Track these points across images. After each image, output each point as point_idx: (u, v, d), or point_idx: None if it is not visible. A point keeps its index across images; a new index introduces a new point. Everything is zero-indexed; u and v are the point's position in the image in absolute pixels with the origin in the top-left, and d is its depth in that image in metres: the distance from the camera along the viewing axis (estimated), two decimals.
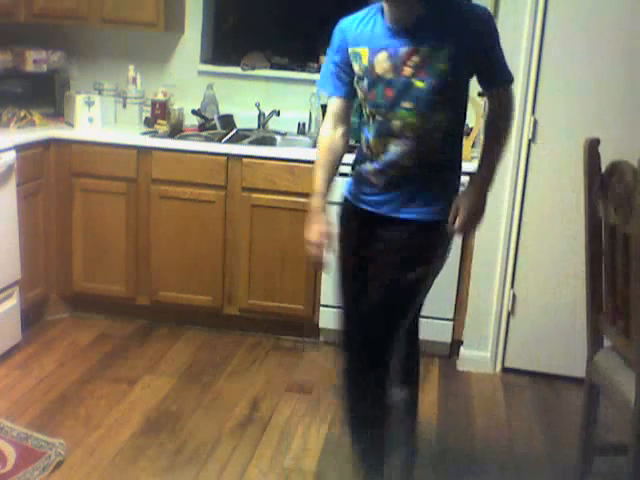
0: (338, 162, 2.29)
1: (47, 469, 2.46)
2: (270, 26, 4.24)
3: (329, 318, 3.54)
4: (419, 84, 2.06)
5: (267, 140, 3.78)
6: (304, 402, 3.07)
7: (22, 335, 3.42)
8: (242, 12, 4.35)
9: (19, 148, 3.32)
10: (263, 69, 3.99)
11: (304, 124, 3.88)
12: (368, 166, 2.23)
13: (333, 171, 2.27)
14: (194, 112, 3.86)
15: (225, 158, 3.49)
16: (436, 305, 3.44)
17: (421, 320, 3.50)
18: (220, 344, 3.58)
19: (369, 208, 2.26)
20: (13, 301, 3.35)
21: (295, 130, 3.89)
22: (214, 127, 3.78)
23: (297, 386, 3.20)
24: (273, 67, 4.01)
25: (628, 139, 3.09)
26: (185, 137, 3.65)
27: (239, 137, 3.68)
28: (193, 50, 4.04)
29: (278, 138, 3.81)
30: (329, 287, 3.50)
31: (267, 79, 3.98)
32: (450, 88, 2.09)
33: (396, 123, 2.12)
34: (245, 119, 3.90)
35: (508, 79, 2.18)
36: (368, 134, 2.22)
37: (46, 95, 3.95)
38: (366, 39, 2.13)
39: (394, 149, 2.15)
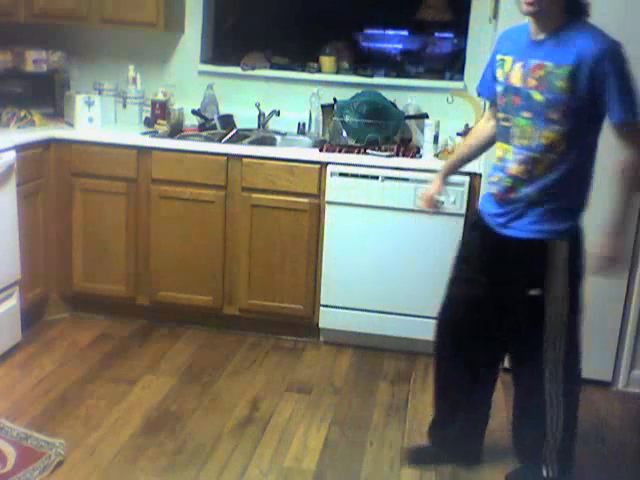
0: (481, 143, 2.53)
1: (47, 469, 2.46)
2: (270, 26, 4.24)
3: (329, 318, 3.54)
4: (537, 97, 2.15)
5: (267, 140, 3.78)
6: (304, 402, 3.07)
7: (22, 335, 3.42)
8: (242, 12, 4.35)
9: (19, 148, 3.32)
10: (263, 69, 3.99)
11: (304, 124, 3.88)
12: (493, 173, 2.35)
13: (472, 150, 2.58)
14: (194, 112, 3.86)
15: (225, 158, 3.49)
16: (436, 305, 3.44)
17: (422, 320, 3.52)
18: (220, 344, 3.58)
19: (487, 220, 2.37)
20: (13, 301, 3.35)
21: (295, 130, 3.89)
22: (214, 127, 3.78)
23: (297, 386, 3.20)
24: (273, 67, 4.01)
25: None
26: (185, 137, 3.65)
27: (239, 137, 3.68)
28: (193, 50, 4.04)
29: (278, 138, 3.81)
30: (329, 287, 3.51)
31: (267, 79, 3.98)
32: (567, 106, 2.12)
33: (515, 130, 2.23)
34: (245, 119, 3.90)
35: (628, 118, 2.10)
36: (497, 138, 2.35)
37: (46, 95, 3.95)
38: (513, 48, 2.26)
39: (511, 157, 2.25)
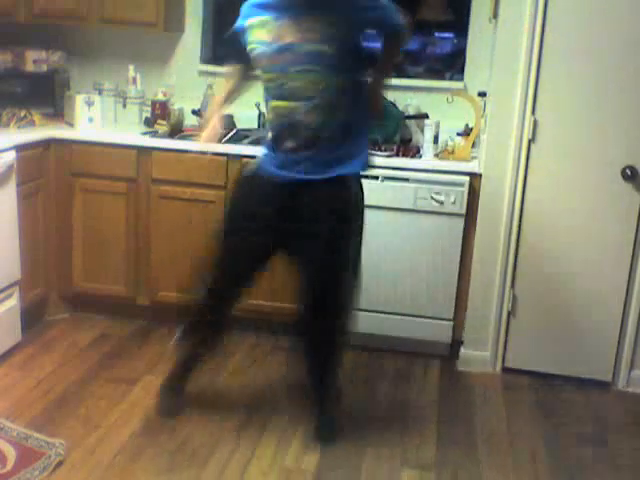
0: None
1: (47, 469, 2.46)
2: None
3: None
4: (314, 47, 2.37)
5: None
6: (304, 402, 3.07)
7: (22, 335, 3.42)
8: None
9: (19, 148, 3.32)
10: None
11: None
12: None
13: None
14: (194, 112, 3.86)
15: (225, 158, 3.49)
16: (436, 305, 3.45)
17: (422, 320, 3.53)
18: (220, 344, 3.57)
19: (282, 173, 2.57)
20: (13, 301, 3.35)
21: None
22: None
23: (297, 386, 3.20)
24: None
25: (628, 139, 3.09)
26: (185, 137, 3.65)
27: (239, 137, 3.68)
28: (193, 50, 4.04)
29: None
30: None
31: None
32: (341, 52, 2.41)
33: (295, 84, 2.41)
34: (245, 119, 3.89)
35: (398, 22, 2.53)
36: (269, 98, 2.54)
37: (46, 95, 3.95)
38: (270, 8, 2.44)
39: (297, 110, 2.44)
